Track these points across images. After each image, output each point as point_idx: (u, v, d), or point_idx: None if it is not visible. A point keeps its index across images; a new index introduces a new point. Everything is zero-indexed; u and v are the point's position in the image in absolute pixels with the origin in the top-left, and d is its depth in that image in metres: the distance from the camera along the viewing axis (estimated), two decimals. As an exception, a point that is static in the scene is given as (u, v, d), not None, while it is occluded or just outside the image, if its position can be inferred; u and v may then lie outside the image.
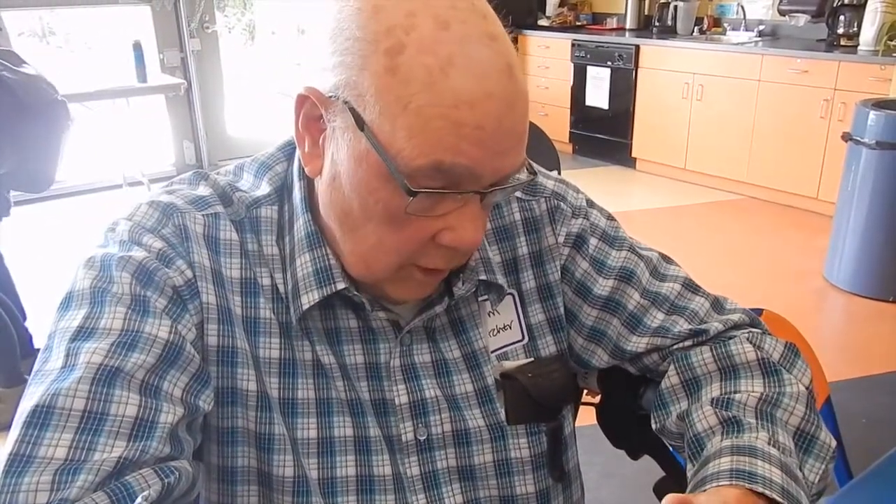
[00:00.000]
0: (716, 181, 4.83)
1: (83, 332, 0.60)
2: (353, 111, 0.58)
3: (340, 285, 0.66)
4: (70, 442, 0.55)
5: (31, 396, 0.57)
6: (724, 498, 0.59)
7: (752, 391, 0.71)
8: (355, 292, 0.68)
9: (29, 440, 0.55)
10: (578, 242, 0.80)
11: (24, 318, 2.60)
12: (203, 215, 0.68)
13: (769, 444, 0.65)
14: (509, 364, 0.77)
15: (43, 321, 2.66)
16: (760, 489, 0.59)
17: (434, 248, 0.63)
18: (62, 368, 0.58)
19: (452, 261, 0.65)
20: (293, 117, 0.63)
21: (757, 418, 0.68)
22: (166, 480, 0.56)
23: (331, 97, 0.59)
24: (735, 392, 0.71)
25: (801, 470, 0.66)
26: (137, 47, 4.02)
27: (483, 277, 0.73)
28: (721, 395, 0.71)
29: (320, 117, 0.62)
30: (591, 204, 0.83)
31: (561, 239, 0.79)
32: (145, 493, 0.54)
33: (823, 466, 0.68)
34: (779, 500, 0.59)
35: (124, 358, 0.59)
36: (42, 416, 0.55)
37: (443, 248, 0.62)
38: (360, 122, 0.57)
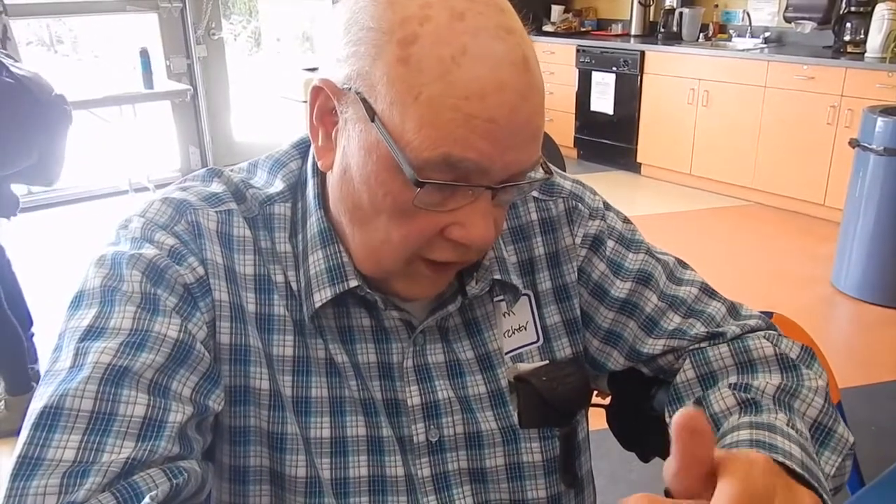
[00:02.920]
0: (721, 187, 4.82)
1: (92, 332, 0.59)
2: (364, 101, 0.57)
3: (353, 283, 0.66)
4: (78, 443, 0.54)
5: (41, 397, 0.57)
6: (749, 457, 0.53)
7: (771, 381, 0.69)
8: (368, 290, 0.67)
9: (37, 442, 0.54)
10: (595, 244, 0.79)
11: (31, 324, 2.60)
12: (216, 212, 0.67)
13: (787, 425, 0.63)
14: (524, 366, 0.76)
15: (49, 327, 2.66)
16: (781, 459, 0.57)
17: (443, 241, 0.61)
18: (70, 368, 0.57)
19: (463, 255, 0.63)
20: (308, 110, 0.63)
21: (775, 404, 0.67)
22: (174, 481, 0.55)
23: (344, 88, 0.59)
24: (753, 380, 0.70)
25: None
26: (144, 54, 4.04)
27: (497, 277, 0.72)
28: (739, 381, 0.70)
29: (333, 109, 0.61)
30: (607, 206, 0.82)
31: (578, 240, 0.79)
32: (153, 492, 0.53)
33: (840, 460, 0.66)
34: (799, 472, 0.56)
35: (133, 357, 0.58)
36: (50, 418, 0.55)
37: (452, 241, 0.61)
38: (370, 113, 0.56)
